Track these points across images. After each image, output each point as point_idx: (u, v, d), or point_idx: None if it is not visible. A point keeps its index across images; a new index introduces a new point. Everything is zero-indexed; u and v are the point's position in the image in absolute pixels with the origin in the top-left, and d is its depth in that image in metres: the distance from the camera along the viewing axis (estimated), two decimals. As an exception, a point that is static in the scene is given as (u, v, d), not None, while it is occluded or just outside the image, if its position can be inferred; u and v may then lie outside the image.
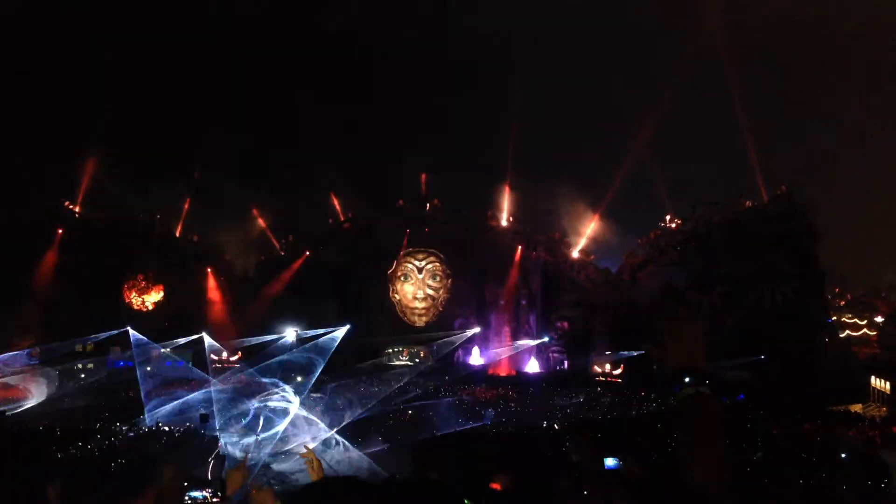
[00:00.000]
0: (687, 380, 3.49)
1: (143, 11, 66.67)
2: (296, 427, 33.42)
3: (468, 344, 59.31)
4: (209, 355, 53.28)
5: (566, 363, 58.01)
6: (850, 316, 63.19)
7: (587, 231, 62.61)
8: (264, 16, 69.00)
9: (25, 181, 56.12)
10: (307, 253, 62.90)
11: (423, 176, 64.40)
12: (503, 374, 56.79)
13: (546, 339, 58.67)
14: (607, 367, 54.75)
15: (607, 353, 54.85)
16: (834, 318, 60.76)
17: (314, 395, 41.89)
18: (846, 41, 66.45)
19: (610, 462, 7.93)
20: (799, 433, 27.78)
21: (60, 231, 56.87)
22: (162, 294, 58.41)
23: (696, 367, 3.49)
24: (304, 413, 36.62)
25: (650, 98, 63.61)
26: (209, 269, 60.97)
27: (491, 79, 71.33)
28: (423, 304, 60.65)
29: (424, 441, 30.80)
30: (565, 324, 59.14)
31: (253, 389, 42.93)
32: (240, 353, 57.02)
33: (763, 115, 64.58)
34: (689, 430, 3.35)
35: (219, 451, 26.96)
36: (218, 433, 31.99)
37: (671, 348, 3.56)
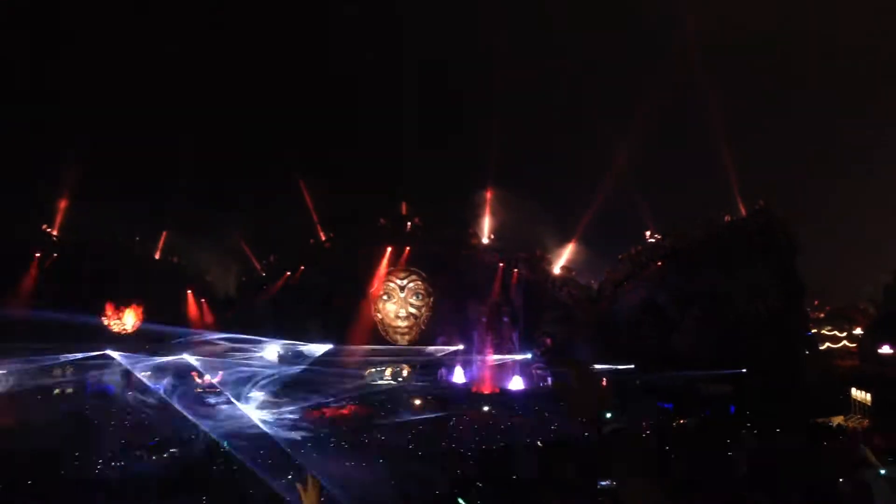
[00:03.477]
0: (609, 415, 3.57)
1: (119, 35, 66.50)
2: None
3: (451, 362, 59.30)
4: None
5: (549, 380, 58.00)
6: (829, 328, 63.74)
7: (568, 247, 62.91)
8: (242, 38, 68.97)
9: (1, 205, 55.49)
10: (288, 273, 62.76)
11: (404, 203, 64.42)
12: (487, 391, 56.69)
13: (529, 355, 58.69)
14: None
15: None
16: (814, 330, 61.24)
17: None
18: (824, 55, 67.35)
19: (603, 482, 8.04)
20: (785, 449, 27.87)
21: (38, 255, 56.44)
22: (142, 316, 57.92)
23: (604, 409, 3.60)
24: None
25: (629, 115, 63.91)
26: (189, 291, 60.65)
27: (470, 95, 71.65)
28: (405, 323, 60.61)
29: (410, 461, 30.71)
30: (548, 340, 59.26)
31: None
32: (221, 374, 56.75)
33: (741, 129, 65.10)
34: (619, 461, 3.42)
35: None
36: None
37: (579, 400, 3.67)
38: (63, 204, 59.64)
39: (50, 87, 63.35)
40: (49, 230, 59.01)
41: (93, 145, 57.67)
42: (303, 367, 54.76)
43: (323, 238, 64.36)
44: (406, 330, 60.64)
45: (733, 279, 54.95)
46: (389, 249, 61.51)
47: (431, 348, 59.34)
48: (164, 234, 62.86)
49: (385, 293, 60.97)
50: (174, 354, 52.29)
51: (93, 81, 63.60)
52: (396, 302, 60.82)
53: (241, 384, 49.55)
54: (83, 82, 63.39)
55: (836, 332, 63.46)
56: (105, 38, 65.86)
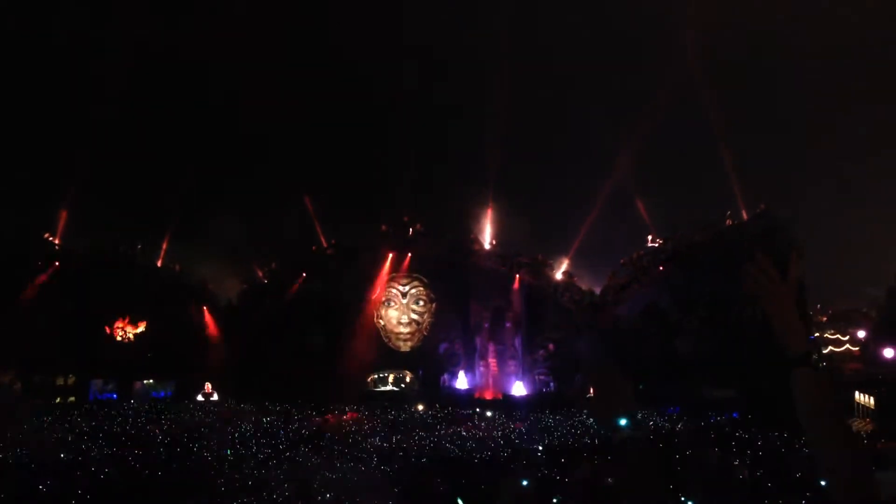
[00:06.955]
0: (623, 423, 3.59)
1: (124, 42, 66.71)
2: None
3: (454, 368, 59.29)
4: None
5: (552, 385, 58.01)
6: (832, 332, 63.55)
7: (570, 253, 62.80)
8: (244, 45, 69.13)
9: (4, 214, 55.59)
10: (290, 280, 62.66)
11: (406, 208, 64.37)
12: (489, 397, 56.67)
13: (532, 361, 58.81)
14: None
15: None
16: (816, 334, 61.08)
17: None
18: (822, 58, 67.40)
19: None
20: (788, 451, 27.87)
21: (40, 263, 56.42)
22: (145, 325, 57.92)
23: (627, 411, 3.62)
24: None
25: (630, 119, 64.00)
26: (192, 299, 60.53)
27: (472, 101, 71.78)
28: (407, 329, 60.59)
29: (417, 469, 30.64)
30: (551, 345, 59.15)
31: None
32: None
33: (742, 133, 65.18)
34: (631, 470, 3.44)
35: None
36: None
37: (603, 401, 3.70)
38: (65, 212, 59.64)
39: (48, 93, 63.40)
40: (51, 239, 58.96)
41: (94, 153, 57.78)
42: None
43: (325, 245, 64.24)
44: (408, 336, 60.64)
45: (735, 282, 54.58)
46: (391, 256, 61.45)
47: None
48: (166, 242, 62.80)
49: (387, 299, 61.02)
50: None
51: (101, 88, 63.64)
52: (399, 308, 60.85)
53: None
54: (91, 90, 63.45)
55: (838, 336, 63.28)
56: (105, 42, 66.09)
